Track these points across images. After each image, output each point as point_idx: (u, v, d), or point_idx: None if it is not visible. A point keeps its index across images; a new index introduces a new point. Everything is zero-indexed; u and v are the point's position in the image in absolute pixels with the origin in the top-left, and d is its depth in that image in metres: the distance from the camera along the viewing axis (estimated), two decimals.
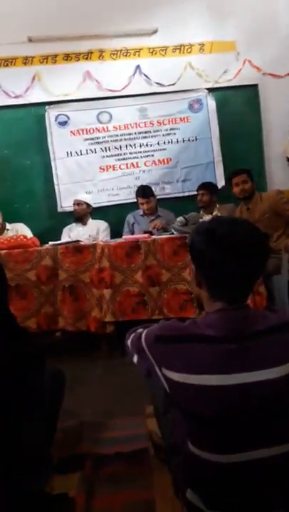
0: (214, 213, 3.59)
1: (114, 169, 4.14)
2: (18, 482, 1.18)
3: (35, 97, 4.01)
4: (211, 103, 4.13)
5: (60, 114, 4.05)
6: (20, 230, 3.65)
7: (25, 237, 3.23)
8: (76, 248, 2.87)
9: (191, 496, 1.03)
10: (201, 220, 2.92)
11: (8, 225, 3.70)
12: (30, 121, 4.05)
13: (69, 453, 1.54)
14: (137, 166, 4.15)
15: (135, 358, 1.12)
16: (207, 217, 3.11)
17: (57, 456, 1.42)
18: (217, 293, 1.04)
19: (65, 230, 3.86)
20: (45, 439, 1.30)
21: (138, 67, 4.06)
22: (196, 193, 3.77)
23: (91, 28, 3.94)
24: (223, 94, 4.15)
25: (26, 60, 3.99)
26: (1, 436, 1.19)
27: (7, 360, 1.17)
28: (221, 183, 4.07)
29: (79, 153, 4.10)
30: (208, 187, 3.71)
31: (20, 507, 1.09)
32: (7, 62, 3.96)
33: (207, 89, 4.12)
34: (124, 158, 4.14)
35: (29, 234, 3.56)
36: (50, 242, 3.05)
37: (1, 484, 1.11)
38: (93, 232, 3.78)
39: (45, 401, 1.31)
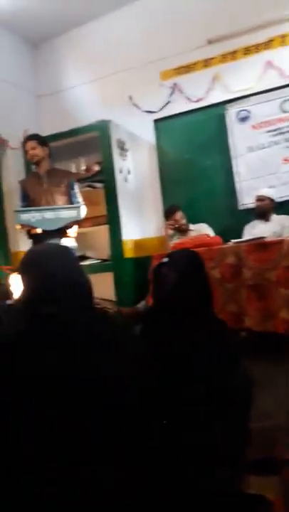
0: None
1: None
2: (213, 481, 1.17)
3: (216, 97, 4.05)
4: None
5: (241, 110, 4.00)
6: (204, 231, 3.74)
7: (208, 235, 3.30)
8: (261, 245, 2.78)
9: None
10: None
11: (191, 226, 3.84)
12: (211, 123, 4.12)
13: (264, 455, 1.49)
14: None
15: None
16: None
17: (252, 457, 1.38)
18: None
19: (247, 228, 3.78)
20: (239, 439, 1.27)
21: None
22: None
23: (269, 14, 3.77)
24: None
25: (206, 63, 4.07)
26: (195, 435, 1.20)
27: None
28: None
29: (261, 147, 3.97)
30: None
31: (217, 506, 1.09)
32: (188, 68, 4.12)
33: None
34: None
35: (212, 234, 3.62)
36: (233, 240, 3.03)
37: (195, 483, 1.13)
38: (277, 228, 3.59)
39: (237, 400, 1.28)
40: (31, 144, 3.30)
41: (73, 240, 3.27)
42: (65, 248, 1.33)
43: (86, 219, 4.08)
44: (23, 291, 1.14)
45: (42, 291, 1.11)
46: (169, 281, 1.40)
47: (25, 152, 3.42)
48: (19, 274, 1.18)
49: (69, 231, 3.17)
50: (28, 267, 1.16)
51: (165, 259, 1.48)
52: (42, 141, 3.35)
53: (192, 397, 1.26)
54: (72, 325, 1.07)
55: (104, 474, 0.95)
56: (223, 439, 1.24)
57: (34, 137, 3.35)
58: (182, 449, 1.14)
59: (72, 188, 3.36)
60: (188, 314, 1.36)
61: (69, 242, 3.22)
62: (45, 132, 4.19)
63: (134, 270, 4.02)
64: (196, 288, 1.41)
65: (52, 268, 1.12)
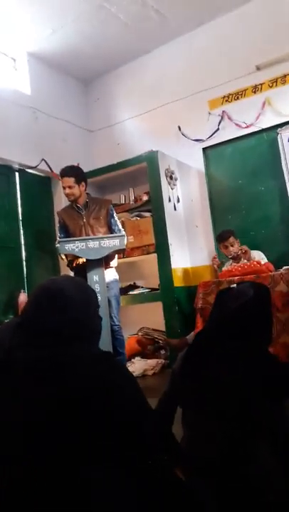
0: None
1: None
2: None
3: (266, 122, 3.95)
4: None
5: None
6: (258, 257, 3.56)
7: (258, 262, 3.12)
8: None
9: None
10: None
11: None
12: (262, 148, 4.01)
13: None
14: None
15: None
16: None
17: None
18: None
19: None
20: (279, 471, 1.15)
21: None
22: None
23: None
24: None
25: (256, 89, 4.01)
26: (232, 468, 1.15)
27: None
28: None
29: None
30: None
31: None
32: (237, 95, 4.08)
33: None
34: None
35: (263, 261, 3.43)
36: (285, 267, 2.84)
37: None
38: None
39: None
40: (68, 181, 3.17)
41: (114, 270, 3.23)
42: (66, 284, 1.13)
43: (135, 248, 4.11)
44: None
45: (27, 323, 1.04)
46: (233, 306, 1.33)
47: (62, 187, 3.27)
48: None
49: (111, 263, 3.14)
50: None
51: (233, 285, 1.45)
52: (79, 178, 3.19)
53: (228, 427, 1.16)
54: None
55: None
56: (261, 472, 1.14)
57: (70, 174, 3.18)
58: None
59: (112, 217, 3.29)
60: (243, 342, 1.27)
61: (111, 273, 3.20)
62: (96, 165, 4.34)
63: (184, 299, 3.91)
64: (258, 317, 1.35)
65: (43, 301, 1.05)
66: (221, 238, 3.67)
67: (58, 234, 3.39)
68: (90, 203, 3.29)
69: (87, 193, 3.32)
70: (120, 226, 3.29)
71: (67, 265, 3.21)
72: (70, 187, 3.17)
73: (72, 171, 3.21)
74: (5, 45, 4.12)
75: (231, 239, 3.58)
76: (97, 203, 3.34)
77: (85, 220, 3.23)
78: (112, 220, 3.27)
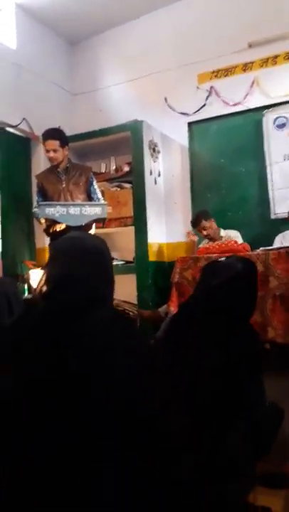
0: None
1: None
2: (223, 491, 1.11)
3: (254, 102, 3.94)
4: None
5: (278, 117, 3.87)
6: (233, 237, 3.62)
7: (236, 242, 3.17)
8: None
9: None
10: None
11: (222, 232, 3.72)
12: (247, 128, 4.01)
13: (274, 469, 1.41)
14: None
15: None
16: None
17: (262, 470, 1.31)
18: None
19: (278, 238, 3.62)
20: (251, 451, 1.19)
21: None
22: None
23: None
24: None
25: (246, 67, 3.97)
26: (208, 444, 1.15)
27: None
28: None
29: None
30: None
31: None
32: (227, 71, 4.04)
33: None
34: None
35: (240, 241, 3.49)
36: (262, 248, 2.90)
37: (203, 491, 1.05)
38: None
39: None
40: (52, 144, 3.05)
41: None
42: (87, 241, 1.18)
43: (113, 219, 4.06)
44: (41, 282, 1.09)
45: (54, 284, 1.04)
46: (221, 280, 1.33)
47: (45, 150, 3.13)
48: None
49: (89, 231, 3.10)
50: (48, 259, 1.14)
51: (221, 259, 1.45)
52: (63, 142, 3.09)
53: (207, 403, 1.19)
54: (84, 320, 1.00)
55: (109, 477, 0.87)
56: (238, 450, 1.16)
57: (56, 137, 3.07)
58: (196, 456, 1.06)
59: (92, 184, 3.22)
60: (228, 317, 1.29)
61: None
62: (77, 130, 4.21)
63: (157, 274, 3.94)
64: (245, 291, 1.37)
65: (68, 261, 1.06)
66: (192, 224, 3.74)
67: (36, 198, 3.30)
68: (71, 168, 3.19)
69: (68, 158, 3.23)
70: (100, 195, 3.24)
71: (44, 230, 3.14)
72: (54, 150, 3.05)
73: (57, 134, 3.10)
74: None
75: (203, 223, 3.63)
76: (78, 169, 3.25)
77: (64, 185, 3.14)
78: (92, 188, 3.21)
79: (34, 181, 4.35)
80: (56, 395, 0.88)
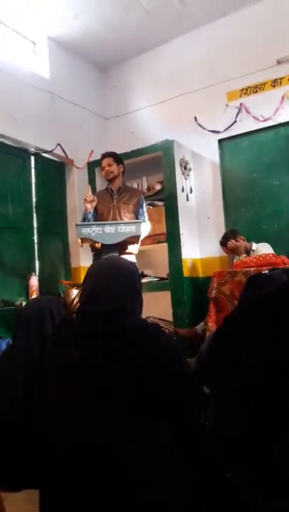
0: None
1: None
2: (269, 506, 1.07)
3: (284, 117, 3.94)
4: None
5: None
6: (265, 250, 3.56)
7: (274, 255, 3.13)
8: None
9: None
10: None
11: (253, 246, 3.68)
12: (278, 142, 4.00)
13: None
14: None
15: None
16: None
17: None
18: None
19: None
20: None
21: None
22: None
23: None
24: None
25: (275, 83, 4.00)
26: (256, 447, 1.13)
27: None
28: None
29: None
30: None
31: None
32: (256, 88, 4.07)
33: None
34: None
35: (272, 252, 3.43)
36: None
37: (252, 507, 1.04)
38: None
39: None
40: (108, 161, 3.39)
41: (133, 256, 3.25)
42: (118, 263, 1.37)
43: (146, 237, 4.09)
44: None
45: (86, 296, 1.20)
46: (266, 291, 1.32)
47: (101, 168, 3.46)
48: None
49: (130, 247, 3.16)
50: (84, 277, 1.29)
51: (265, 271, 1.47)
52: (118, 159, 3.44)
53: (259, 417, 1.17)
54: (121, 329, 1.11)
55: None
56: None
57: (111, 154, 3.43)
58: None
59: (141, 207, 3.43)
60: (275, 327, 1.26)
61: (129, 258, 3.20)
62: None
63: (192, 290, 3.92)
64: None
65: (101, 278, 1.23)
66: (221, 243, 3.72)
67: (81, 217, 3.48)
68: (123, 189, 3.47)
69: (122, 181, 3.50)
70: (146, 218, 3.44)
71: (90, 246, 3.27)
72: (109, 165, 3.38)
73: (111, 153, 3.46)
74: (25, 29, 4.10)
75: (229, 244, 3.59)
76: (130, 190, 3.54)
77: (115, 203, 3.38)
78: (141, 210, 3.42)
79: (69, 203, 4.51)
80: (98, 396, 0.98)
